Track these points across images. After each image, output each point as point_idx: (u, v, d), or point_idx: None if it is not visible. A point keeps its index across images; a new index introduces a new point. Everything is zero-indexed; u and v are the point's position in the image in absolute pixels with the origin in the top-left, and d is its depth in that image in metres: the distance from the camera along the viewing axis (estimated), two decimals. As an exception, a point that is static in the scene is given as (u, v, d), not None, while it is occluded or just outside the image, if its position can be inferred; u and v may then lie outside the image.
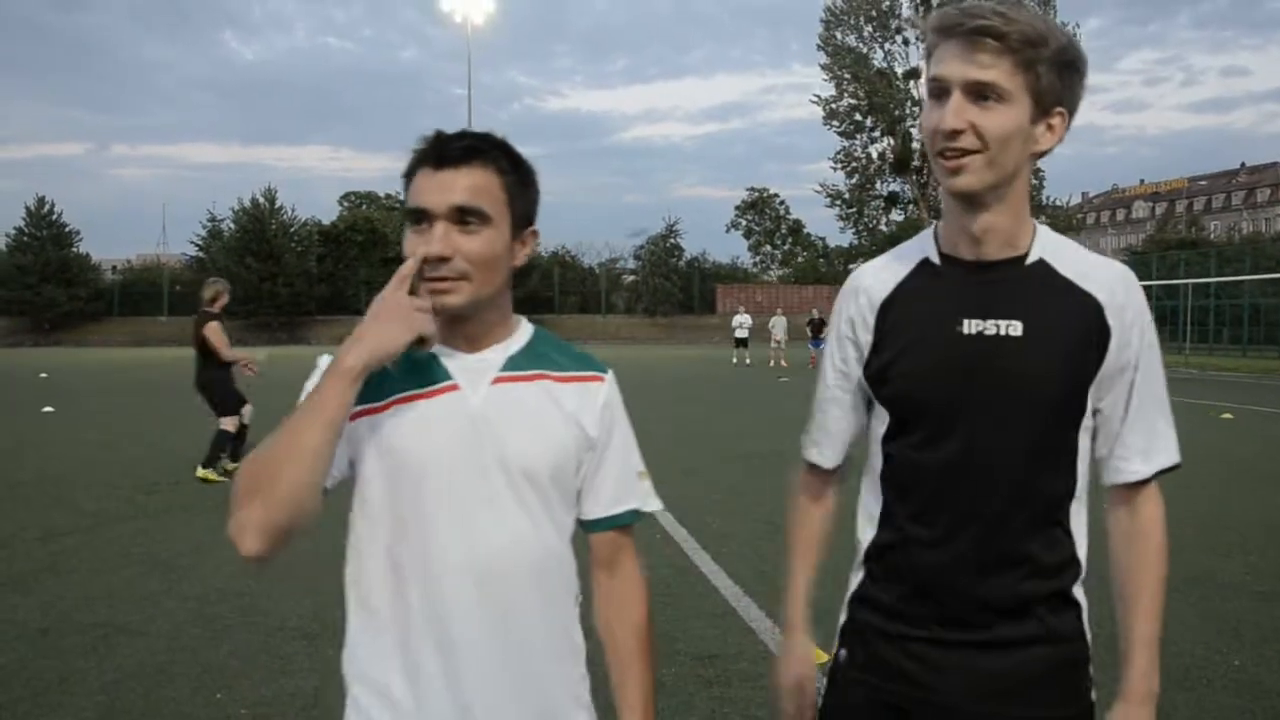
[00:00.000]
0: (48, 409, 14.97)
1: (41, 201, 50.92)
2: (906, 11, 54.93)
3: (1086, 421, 1.48)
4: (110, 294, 52.42)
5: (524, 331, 1.53)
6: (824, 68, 56.78)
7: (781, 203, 68.23)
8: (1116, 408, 1.49)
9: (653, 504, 1.61)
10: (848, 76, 55.91)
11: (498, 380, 1.46)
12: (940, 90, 1.39)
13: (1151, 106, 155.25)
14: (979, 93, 1.37)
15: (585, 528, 1.55)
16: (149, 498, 8.03)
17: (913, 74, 55.32)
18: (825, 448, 1.68)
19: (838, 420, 1.64)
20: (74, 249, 51.30)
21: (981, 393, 1.44)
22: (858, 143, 57.96)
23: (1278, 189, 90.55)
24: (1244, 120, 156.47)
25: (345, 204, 64.12)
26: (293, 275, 50.09)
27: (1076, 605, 1.50)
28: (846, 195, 58.81)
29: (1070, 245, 1.51)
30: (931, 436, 1.48)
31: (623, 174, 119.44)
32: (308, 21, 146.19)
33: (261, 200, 50.96)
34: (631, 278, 57.65)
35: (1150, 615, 1.50)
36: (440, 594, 1.39)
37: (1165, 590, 1.52)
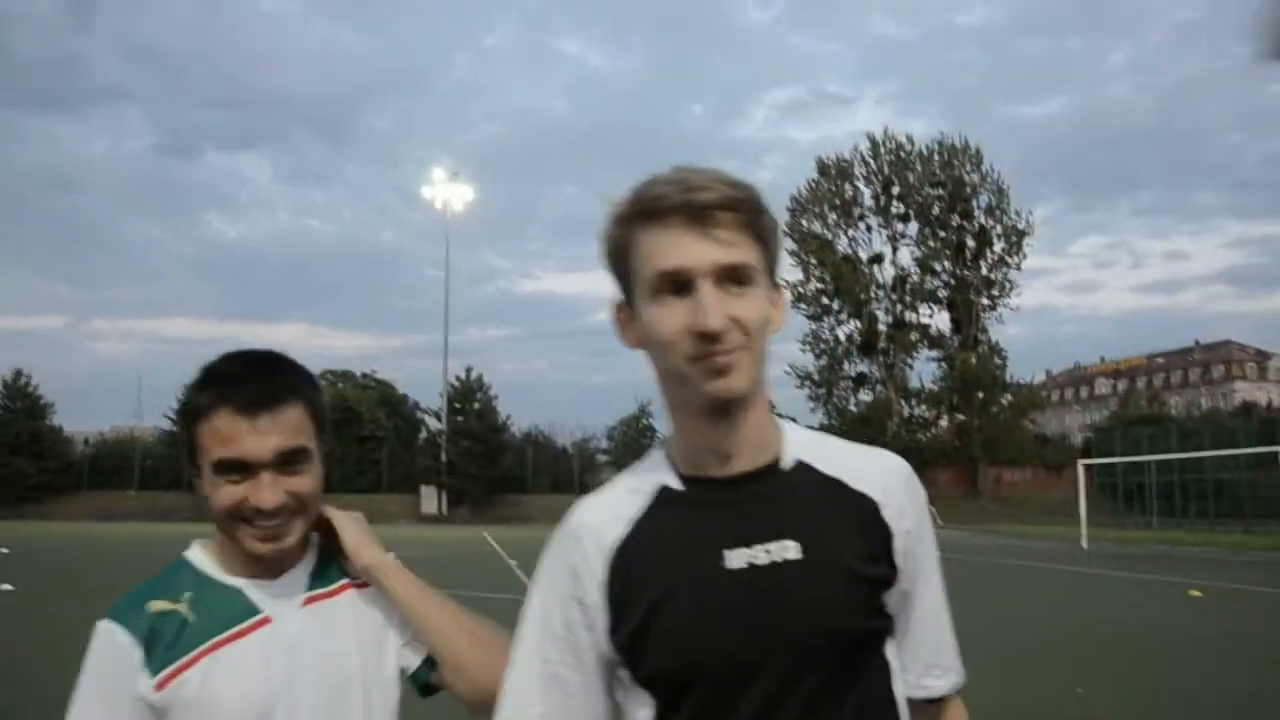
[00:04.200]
0: (5, 586, 14.46)
1: (18, 374, 50.87)
2: (869, 201, 58.02)
3: (889, 635, 1.22)
4: (81, 466, 51.50)
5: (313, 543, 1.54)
6: (791, 253, 59.12)
7: (753, 382, 69.14)
8: (900, 619, 1.23)
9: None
10: (814, 262, 58.20)
11: (308, 601, 1.47)
12: (680, 284, 1.12)
13: (1104, 287, 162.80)
14: (732, 278, 1.12)
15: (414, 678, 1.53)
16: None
17: (876, 259, 57.87)
18: None
19: (565, 709, 1.20)
20: (47, 421, 50.86)
21: (769, 639, 1.12)
22: (825, 325, 59.42)
23: (1230, 366, 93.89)
24: (1190, 300, 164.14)
25: (324, 381, 64.39)
26: (267, 451, 49.59)
27: None
28: (815, 376, 59.86)
29: (829, 440, 1.29)
30: (715, 709, 1.13)
31: (593, 354, 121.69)
32: (290, 203, 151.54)
33: (239, 376, 51.19)
34: (604, 458, 57.66)
35: None
36: None
37: None
